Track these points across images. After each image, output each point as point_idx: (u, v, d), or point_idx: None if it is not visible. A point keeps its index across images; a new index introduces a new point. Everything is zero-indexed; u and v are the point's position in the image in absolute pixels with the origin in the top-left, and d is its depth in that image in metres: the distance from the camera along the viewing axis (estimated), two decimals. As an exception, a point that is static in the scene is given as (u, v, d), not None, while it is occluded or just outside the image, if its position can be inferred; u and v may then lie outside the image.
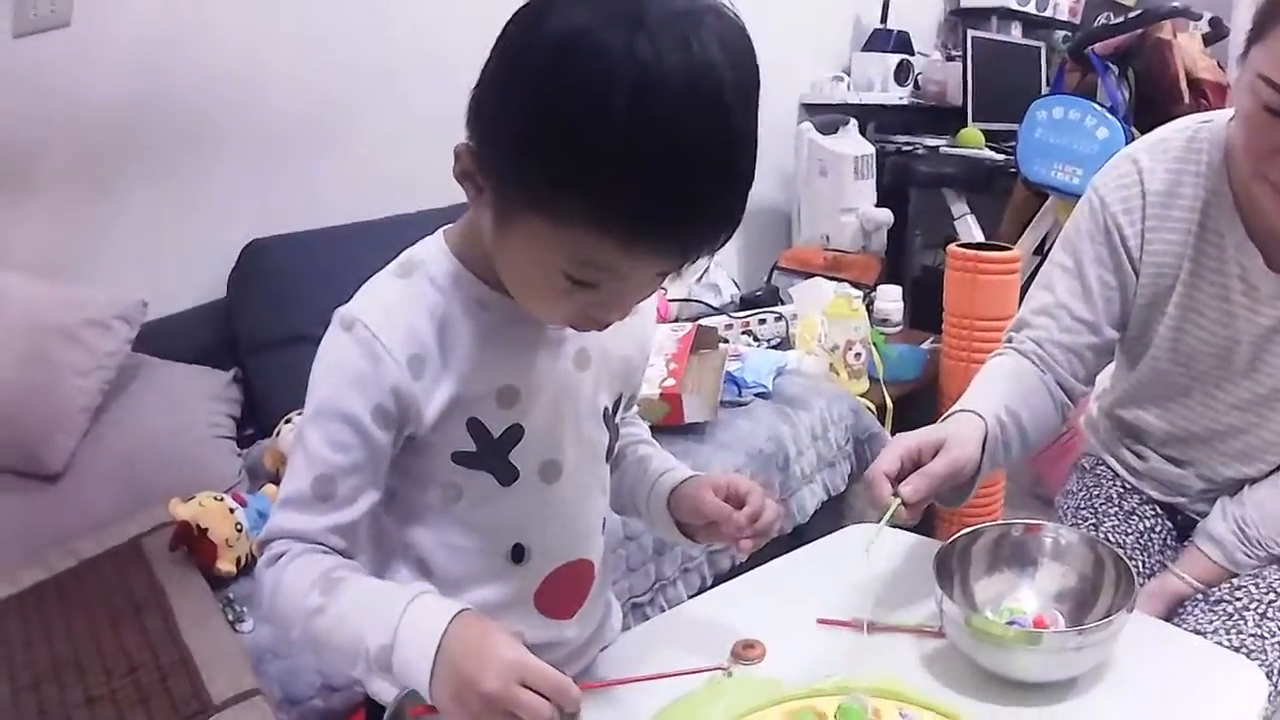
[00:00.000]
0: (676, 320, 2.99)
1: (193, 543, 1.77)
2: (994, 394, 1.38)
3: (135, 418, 2.14)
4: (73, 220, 2.32)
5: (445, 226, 1.03)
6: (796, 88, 4.15)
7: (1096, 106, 3.14)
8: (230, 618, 1.68)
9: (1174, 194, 1.41)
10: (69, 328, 2.08)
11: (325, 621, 0.92)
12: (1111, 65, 3.25)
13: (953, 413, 1.33)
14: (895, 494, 1.15)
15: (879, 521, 1.15)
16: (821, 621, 1.20)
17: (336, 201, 2.69)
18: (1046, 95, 3.42)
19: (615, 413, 1.14)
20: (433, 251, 1.01)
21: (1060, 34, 4.92)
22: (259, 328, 2.49)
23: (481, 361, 0.99)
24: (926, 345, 3.37)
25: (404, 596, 0.91)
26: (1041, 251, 3.54)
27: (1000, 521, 1.23)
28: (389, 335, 0.95)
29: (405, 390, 0.95)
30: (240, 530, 1.80)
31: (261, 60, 2.56)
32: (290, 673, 1.62)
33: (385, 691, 0.97)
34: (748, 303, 3.33)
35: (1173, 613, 1.40)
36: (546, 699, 0.84)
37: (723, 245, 0.89)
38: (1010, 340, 1.51)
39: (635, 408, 1.25)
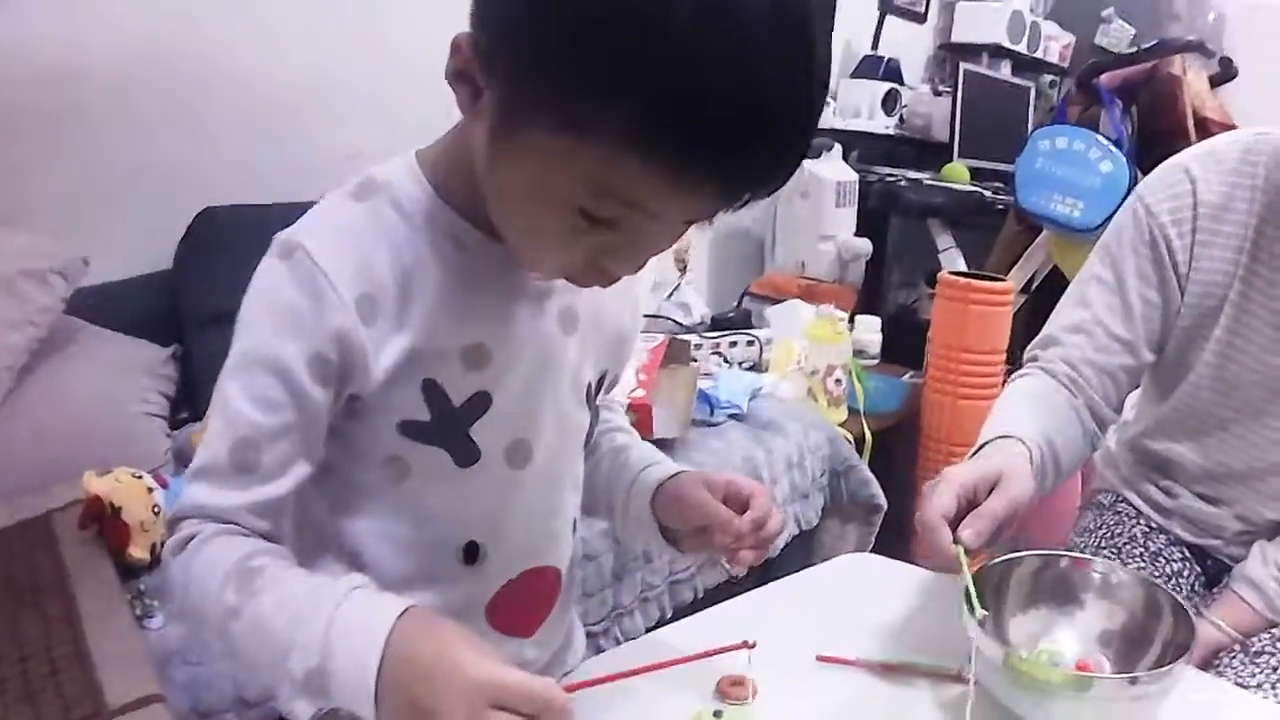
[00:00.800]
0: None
1: (104, 523, 1.57)
2: (1030, 419, 1.24)
3: (62, 383, 1.95)
4: (14, 166, 2.13)
5: (417, 148, 0.86)
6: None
7: (1100, 139, 3.03)
8: (138, 611, 1.49)
9: (1227, 208, 1.30)
10: (3, 275, 1.90)
11: (241, 627, 0.74)
12: (1117, 99, 3.14)
13: (990, 439, 1.18)
14: (955, 540, 1.00)
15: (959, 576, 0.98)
16: (821, 659, 1.03)
17: (300, 178, 2.49)
18: (1049, 125, 3.30)
19: (597, 393, 0.97)
20: (400, 173, 0.84)
21: (1048, 78, 4.88)
22: (204, 303, 2.26)
23: (449, 311, 0.82)
24: (905, 379, 3.24)
25: (332, 597, 0.72)
26: (1029, 290, 3.44)
27: (1043, 551, 1.07)
28: (336, 267, 0.78)
29: (351, 337, 0.78)
30: (157, 514, 1.61)
31: (237, 27, 2.41)
32: (200, 681, 1.43)
33: (303, 713, 0.78)
34: (719, 324, 3.22)
35: (1208, 664, 1.25)
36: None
37: (774, 190, 0.72)
38: (1036, 359, 1.39)
39: (615, 390, 1.07)
